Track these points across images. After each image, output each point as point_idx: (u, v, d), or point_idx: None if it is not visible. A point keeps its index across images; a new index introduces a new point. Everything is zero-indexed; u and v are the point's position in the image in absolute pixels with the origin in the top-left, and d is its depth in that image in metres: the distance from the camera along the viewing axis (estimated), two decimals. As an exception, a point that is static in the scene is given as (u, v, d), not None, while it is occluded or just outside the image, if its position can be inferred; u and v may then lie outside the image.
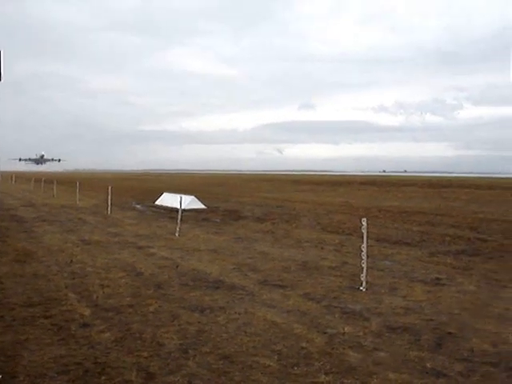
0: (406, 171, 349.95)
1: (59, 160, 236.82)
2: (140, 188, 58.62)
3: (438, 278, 10.48)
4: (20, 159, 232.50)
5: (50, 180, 57.77)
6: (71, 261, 11.94)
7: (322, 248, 14.60)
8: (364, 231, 9.54)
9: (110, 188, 26.05)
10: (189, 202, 26.66)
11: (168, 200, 30.19)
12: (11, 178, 78.82)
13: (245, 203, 33.56)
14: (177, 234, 16.56)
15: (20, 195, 43.13)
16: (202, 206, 28.49)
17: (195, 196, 29.90)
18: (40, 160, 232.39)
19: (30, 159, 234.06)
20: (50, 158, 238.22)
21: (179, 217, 17.03)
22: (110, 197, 25.49)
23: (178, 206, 17.69)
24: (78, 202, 31.89)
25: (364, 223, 9.55)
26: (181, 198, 18.42)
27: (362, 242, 9.56)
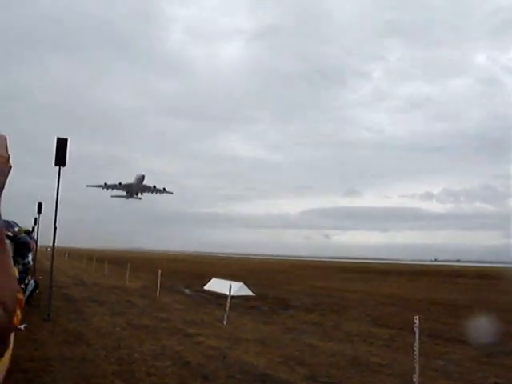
0: (459, 260, 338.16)
1: (164, 189, 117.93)
2: (189, 271, 59.01)
3: (496, 383, 9.96)
4: (105, 185, 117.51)
5: (101, 258, 59.05)
6: (119, 345, 12.02)
7: (372, 343, 14.18)
8: (416, 329, 9.28)
9: (159, 271, 26.39)
10: (238, 288, 26.64)
11: (217, 286, 30.20)
12: (65, 254, 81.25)
13: (293, 291, 33.20)
14: (224, 322, 16.45)
15: (72, 273, 44.05)
16: (251, 293, 28.36)
17: (244, 283, 29.86)
18: (136, 187, 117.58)
19: (120, 185, 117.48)
20: (150, 184, 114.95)
21: (228, 304, 16.98)
22: (159, 280, 25.78)
23: (227, 293, 17.68)
24: (127, 283, 32.30)
25: (416, 321, 9.31)
26: (230, 285, 18.45)
27: (414, 339, 9.28)
